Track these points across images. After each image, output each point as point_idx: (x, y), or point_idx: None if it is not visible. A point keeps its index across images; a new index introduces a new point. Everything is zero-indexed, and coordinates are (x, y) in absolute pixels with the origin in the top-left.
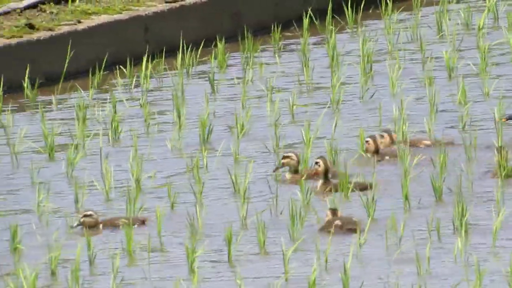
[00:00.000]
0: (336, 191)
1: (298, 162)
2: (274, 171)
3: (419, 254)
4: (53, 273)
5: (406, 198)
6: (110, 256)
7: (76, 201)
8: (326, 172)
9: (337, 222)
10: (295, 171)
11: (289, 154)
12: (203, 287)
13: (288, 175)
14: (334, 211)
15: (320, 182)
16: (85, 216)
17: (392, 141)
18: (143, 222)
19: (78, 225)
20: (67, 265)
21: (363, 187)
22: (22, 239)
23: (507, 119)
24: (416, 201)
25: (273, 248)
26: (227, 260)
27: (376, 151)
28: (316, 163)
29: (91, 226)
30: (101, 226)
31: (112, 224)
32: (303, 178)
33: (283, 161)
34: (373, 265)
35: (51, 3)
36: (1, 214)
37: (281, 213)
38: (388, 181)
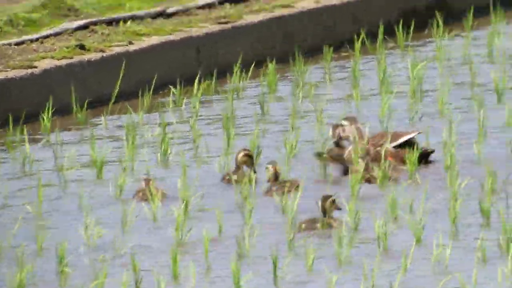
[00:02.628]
0: None
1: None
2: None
3: (464, 281)
4: None
5: (454, 222)
6: (157, 281)
7: (124, 224)
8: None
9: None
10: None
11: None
12: None
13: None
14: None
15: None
16: None
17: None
18: None
19: None
20: None
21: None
22: (69, 262)
23: None
24: (464, 225)
25: (319, 271)
26: (273, 283)
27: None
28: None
29: None
30: None
31: None
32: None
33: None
34: None
35: (103, 24)
36: (48, 236)
37: (329, 237)
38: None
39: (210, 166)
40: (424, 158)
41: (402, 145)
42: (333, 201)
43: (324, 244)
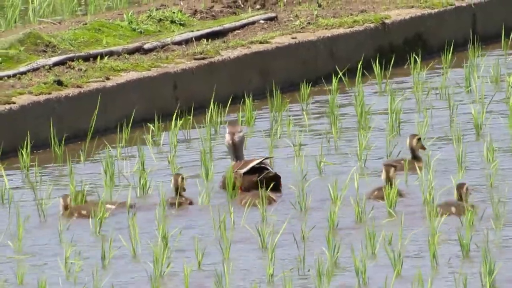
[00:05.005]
0: None
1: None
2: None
3: None
4: None
5: (434, 256)
6: None
7: (103, 258)
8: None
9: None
10: None
11: None
12: None
13: None
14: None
15: None
16: None
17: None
18: None
19: None
20: None
21: None
22: None
23: None
24: (444, 259)
25: None
26: None
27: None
28: None
29: None
30: None
31: None
32: None
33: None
34: None
35: (80, 60)
36: (28, 270)
37: (308, 271)
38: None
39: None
40: (272, 182)
41: (255, 171)
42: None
43: (303, 277)
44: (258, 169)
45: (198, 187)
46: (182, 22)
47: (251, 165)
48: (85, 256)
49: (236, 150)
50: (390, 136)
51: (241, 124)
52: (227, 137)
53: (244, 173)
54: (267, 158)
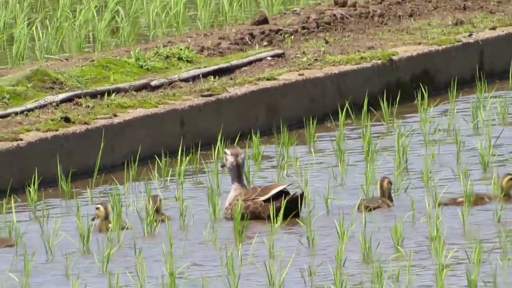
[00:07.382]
0: None
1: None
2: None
3: None
4: None
5: None
6: None
7: None
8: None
9: None
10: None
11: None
12: None
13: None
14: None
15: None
16: None
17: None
18: None
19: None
20: None
21: None
22: None
23: None
24: None
25: None
26: None
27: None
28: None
29: None
30: None
31: None
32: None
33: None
34: None
35: (87, 97)
36: None
37: None
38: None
39: (196, 237)
40: (293, 204)
41: (274, 199)
42: None
43: None
44: (280, 195)
45: (205, 222)
46: (189, 59)
47: (273, 192)
48: None
49: (239, 171)
50: (397, 172)
51: (248, 158)
52: (231, 158)
53: (265, 200)
54: (288, 185)
